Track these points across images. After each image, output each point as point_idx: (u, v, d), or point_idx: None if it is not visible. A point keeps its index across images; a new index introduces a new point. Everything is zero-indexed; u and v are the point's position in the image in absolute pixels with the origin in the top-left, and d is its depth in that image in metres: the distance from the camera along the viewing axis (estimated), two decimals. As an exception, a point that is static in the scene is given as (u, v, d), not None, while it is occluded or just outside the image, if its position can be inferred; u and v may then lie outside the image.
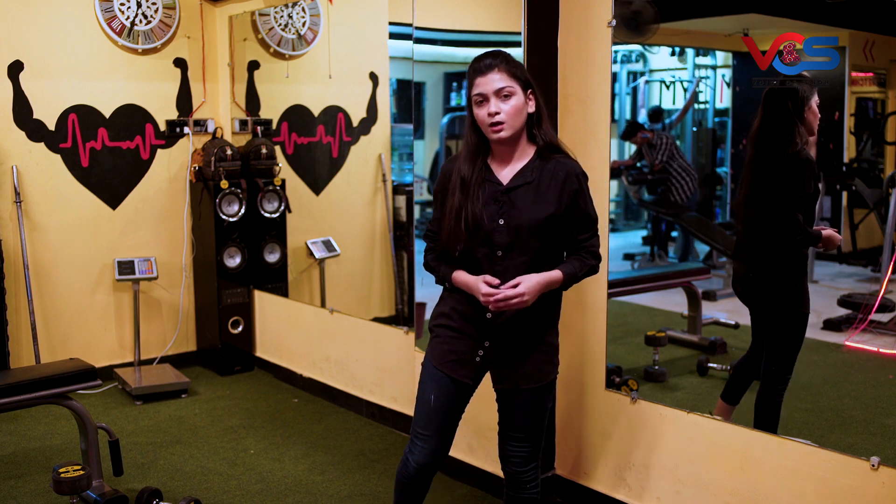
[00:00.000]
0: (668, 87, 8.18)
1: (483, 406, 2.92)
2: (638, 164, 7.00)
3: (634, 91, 8.52)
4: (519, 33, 3.11)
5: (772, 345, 3.14)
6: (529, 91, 2.30)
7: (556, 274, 2.29)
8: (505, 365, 2.38)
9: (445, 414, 2.42)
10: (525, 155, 2.34)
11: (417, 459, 2.44)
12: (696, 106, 7.83)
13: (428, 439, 2.42)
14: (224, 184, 5.00)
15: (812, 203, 2.99)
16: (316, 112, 5.52)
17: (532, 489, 2.49)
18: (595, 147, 3.12)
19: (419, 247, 3.23)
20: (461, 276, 2.34)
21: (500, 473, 3.32)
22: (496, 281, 2.25)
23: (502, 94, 2.23)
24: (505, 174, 2.33)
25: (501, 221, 2.28)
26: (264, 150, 5.18)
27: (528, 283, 2.24)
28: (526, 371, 2.37)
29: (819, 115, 2.99)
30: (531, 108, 2.31)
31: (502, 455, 2.50)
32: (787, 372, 3.11)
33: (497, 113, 2.23)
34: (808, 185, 2.94)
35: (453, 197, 2.30)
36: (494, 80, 2.23)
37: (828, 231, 3.06)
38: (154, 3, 5.04)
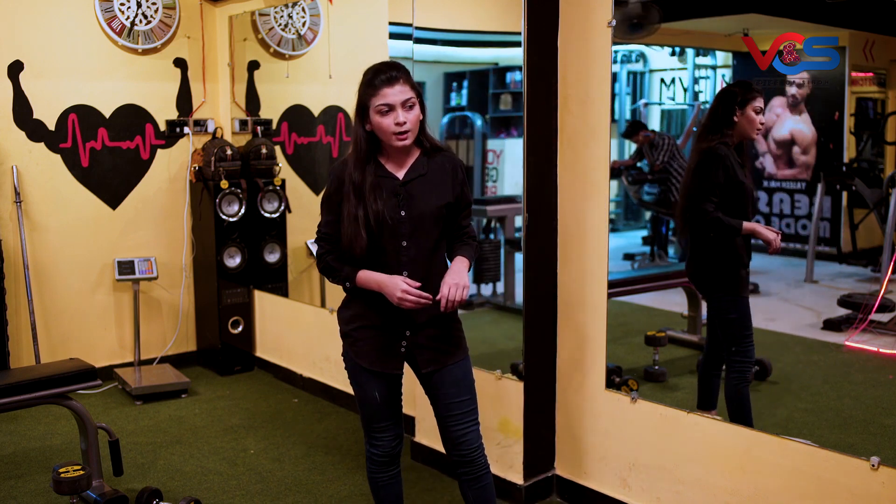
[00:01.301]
0: (667, 87, 8.17)
1: (485, 406, 2.91)
2: (638, 164, 6.99)
3: (634, 113, 8.51)
4: (519, 33, 3.11)
5: (722, 330, 3.28)
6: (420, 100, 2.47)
7: (465, 261, 2.50)
8: (429, 347, 2.52)
9: (392, 406, 2.61)
10: (413, 155, 2.52)
11: (382, 449, 2.61)
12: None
13: (385, 429, 2.61)
14: (224, 184, 5.00)
15: (730, 193, 3.12)
16: (316, 112, 5.52)
17: (484, 466, 2.59)
18: (595, 147, 3.12)
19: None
20: (368, 274, 2.46)
21: (502, 473, 3.33)
22: (417, 284, 2.38)
23: (407, 105, 2.39)
24: (399, 172, 2.50)
25: (403, 213, 2.45)
26: (264, 150, 5.18)
27: (459, 273, 2.42)
28: (448, 349, 2.54)
29: (758, 123, 3.13)
30: (421, 115, 2.47)
31: (450, 441, 2.57)
32: (746, 357, 3.23)
33: (405, 122, 2.39)
34: (717, 175, 3.10)
35: (349, 203, 2.44)
36: (401, 92, 2.38)
37: (750, 224, 3.15)
38: (154, 3, 5.04)
